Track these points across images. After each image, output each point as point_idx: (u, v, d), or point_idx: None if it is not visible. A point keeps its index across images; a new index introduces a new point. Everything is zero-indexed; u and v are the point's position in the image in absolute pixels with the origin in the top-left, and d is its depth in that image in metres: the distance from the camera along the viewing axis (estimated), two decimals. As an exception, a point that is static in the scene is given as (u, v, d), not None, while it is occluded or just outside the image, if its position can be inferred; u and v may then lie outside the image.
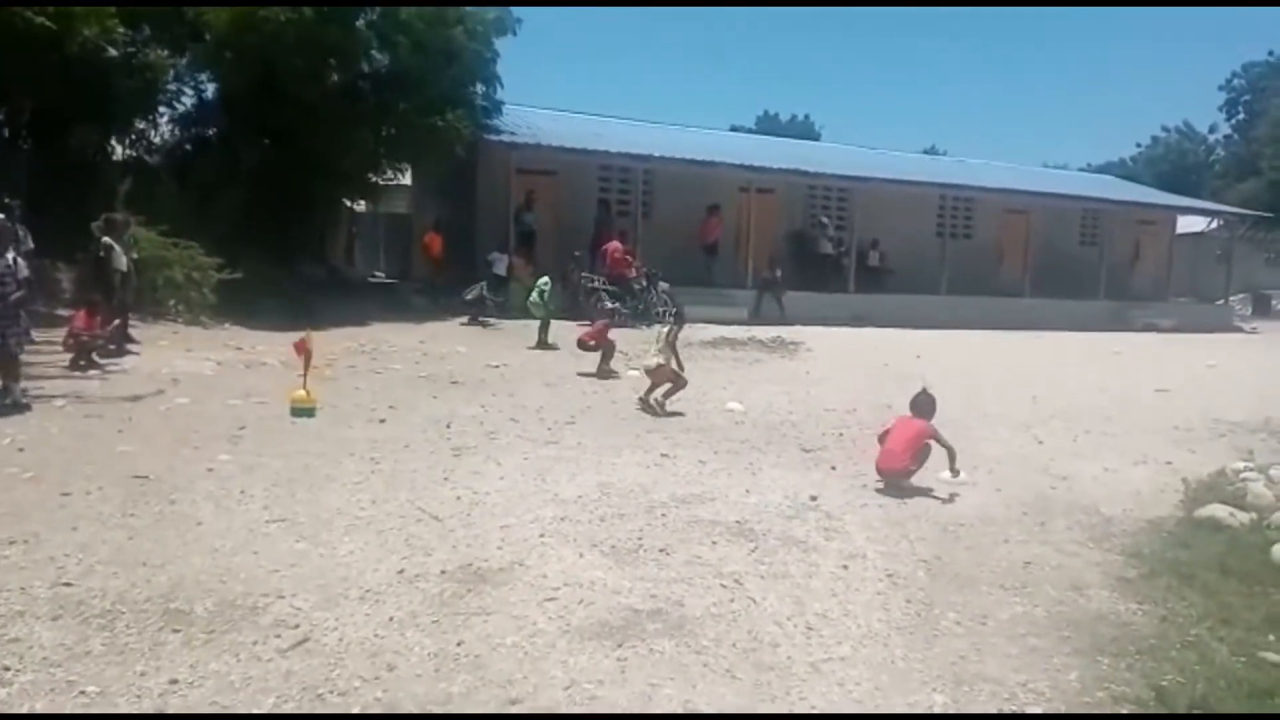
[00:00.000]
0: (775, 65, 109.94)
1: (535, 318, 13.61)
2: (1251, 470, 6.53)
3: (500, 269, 18.12)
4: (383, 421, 7.79)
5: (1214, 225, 33.13)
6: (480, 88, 18.04)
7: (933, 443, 6.26)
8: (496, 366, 11.27)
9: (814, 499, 5.95)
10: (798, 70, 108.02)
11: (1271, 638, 3.99)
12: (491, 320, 15.74)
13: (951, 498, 6.15)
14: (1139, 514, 5.95)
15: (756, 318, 18.74)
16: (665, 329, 9.38)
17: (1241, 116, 47.39)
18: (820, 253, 21.99)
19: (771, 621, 4.06)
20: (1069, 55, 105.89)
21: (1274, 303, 33.50)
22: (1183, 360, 15.99)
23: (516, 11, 17.98)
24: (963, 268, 23.58)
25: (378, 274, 24.46)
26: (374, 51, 16.55)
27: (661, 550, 4.87)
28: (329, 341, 11.38)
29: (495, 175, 18.83)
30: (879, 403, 9.96)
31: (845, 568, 4.77)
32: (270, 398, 8.37)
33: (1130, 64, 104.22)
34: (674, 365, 9.04)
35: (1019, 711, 3.39)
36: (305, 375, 8.09)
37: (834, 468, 6.89)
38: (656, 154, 19.60)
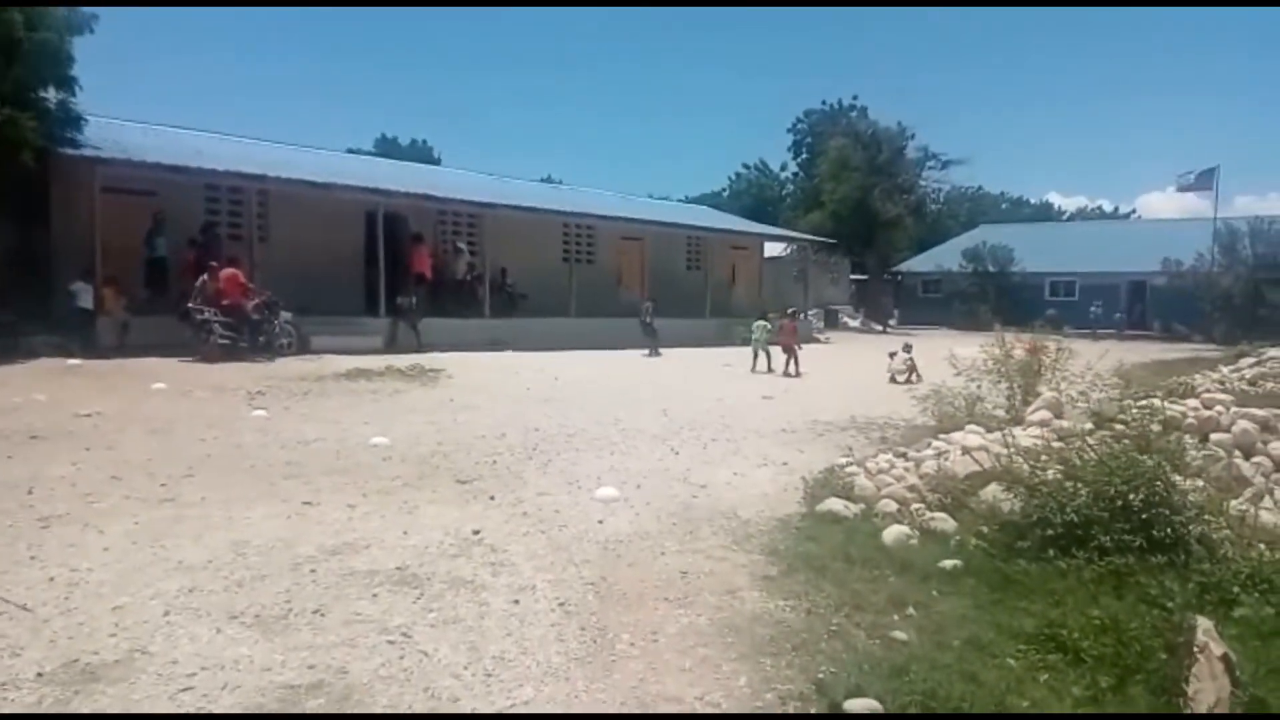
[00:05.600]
0: (392, 89, 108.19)
1: None
2: (853, 465, 7.43)
3: (85, 301, 15.73)
4: (-67, 494, 6.25)
5: (789, 250, 38.31)
6: (53, 93, 15.47)
7: None
8: (88, 415, 9.62)
9: (477, 533, 5.74)
10: (415, 95, 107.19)
11: (896, 617, 4.51)
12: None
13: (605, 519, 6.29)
14: (770, 513, 6.48)
15: (393, 346, 18.11)
16: (905, 351, 16.85)
17: (805, 156, 55.11)
18: (456, 278, 21.89)
19: (448, 674, 3.79)
20: (666, 94, 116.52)
21: (840, 316, 39.44)
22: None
23: (95, 10, 15.74)
24: (589, 291, 24.80)
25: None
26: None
27: (315, 612, 4.36)
28: None
29: (75, 195, 16.29)
30: (527, 425, 10.02)
31: (516, 602, 4.62)
32: None
33: (715, 105, 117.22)
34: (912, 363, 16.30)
35: (701, 725, 3.46)
36: None
37: (493, 497, 6.73)
38: (272, 174, 18.20)
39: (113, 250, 15.96)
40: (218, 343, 15.25)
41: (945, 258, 47.38)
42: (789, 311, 20.43)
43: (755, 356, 18.53)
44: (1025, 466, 5.75)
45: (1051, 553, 5.20)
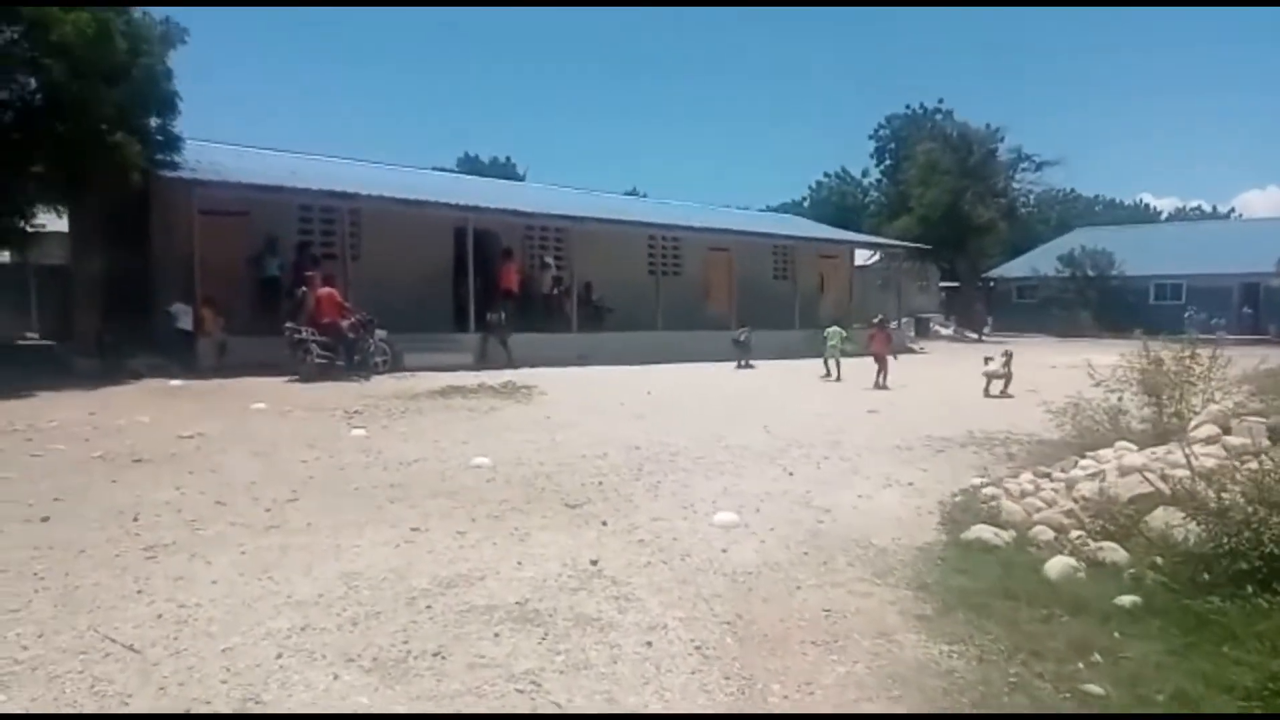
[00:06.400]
0: (474, 108, 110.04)
1: None
2: (991, 486, 6.81)
3: (184, 323, 15.99)
4: (45, 520, 6.16)
5: (875, 258, 37.28)
6: (155, 117, 15.83)
7: None
8: (190, 437, 9.61)
9: (595, 563, 5.35)
10: (497, 113, 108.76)
11: (1081, 665, 3.95)
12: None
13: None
14: (908, 541, 5.95)
15: (483, 362, 18.02)
16: (1003, 355, 15.95)
17: (889, 162, 53.91)
18: (544, 292, 21.79)
19: (587, 731, 3.40)
20: (746, 105, 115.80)
21: (931, 325, 38.18)
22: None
23: (182, 18, 16.05)
24: (674, 303, 24.41)
25: (29, 335, 20.79)
26: (18, 75, 14.02)
27: (435, 654, 4.02)
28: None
29: (174, 218, 16.64)
30: (628, 444, 9.65)
31: (649, 645, 4.21)
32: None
33: (795, 115, 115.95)
34: (1009, 370, 15.68)
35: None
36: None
37: (605, 523, 6.34)
38: (364, 192, 18.32)
39: (209, 270, 16.24)
40: (315, 362, 15.32)
41: (1040, 262, 45.61)
42: (875, 320, 19.51)
43: (827, 363, 18.46)
44: (1210, 491, 5.08)
45: (1249, 589, 4.55)
